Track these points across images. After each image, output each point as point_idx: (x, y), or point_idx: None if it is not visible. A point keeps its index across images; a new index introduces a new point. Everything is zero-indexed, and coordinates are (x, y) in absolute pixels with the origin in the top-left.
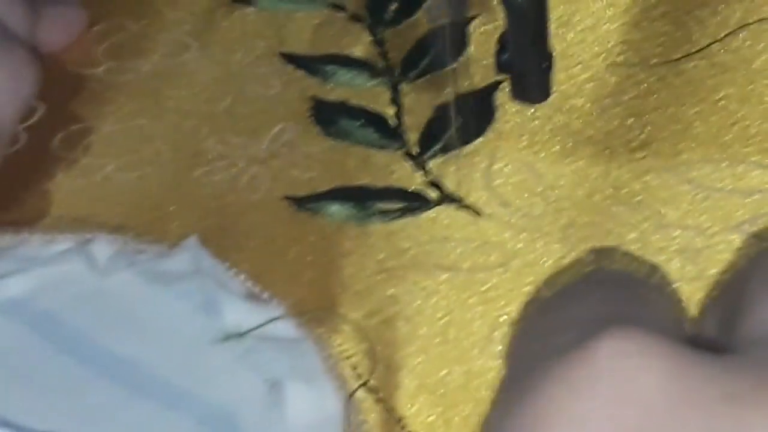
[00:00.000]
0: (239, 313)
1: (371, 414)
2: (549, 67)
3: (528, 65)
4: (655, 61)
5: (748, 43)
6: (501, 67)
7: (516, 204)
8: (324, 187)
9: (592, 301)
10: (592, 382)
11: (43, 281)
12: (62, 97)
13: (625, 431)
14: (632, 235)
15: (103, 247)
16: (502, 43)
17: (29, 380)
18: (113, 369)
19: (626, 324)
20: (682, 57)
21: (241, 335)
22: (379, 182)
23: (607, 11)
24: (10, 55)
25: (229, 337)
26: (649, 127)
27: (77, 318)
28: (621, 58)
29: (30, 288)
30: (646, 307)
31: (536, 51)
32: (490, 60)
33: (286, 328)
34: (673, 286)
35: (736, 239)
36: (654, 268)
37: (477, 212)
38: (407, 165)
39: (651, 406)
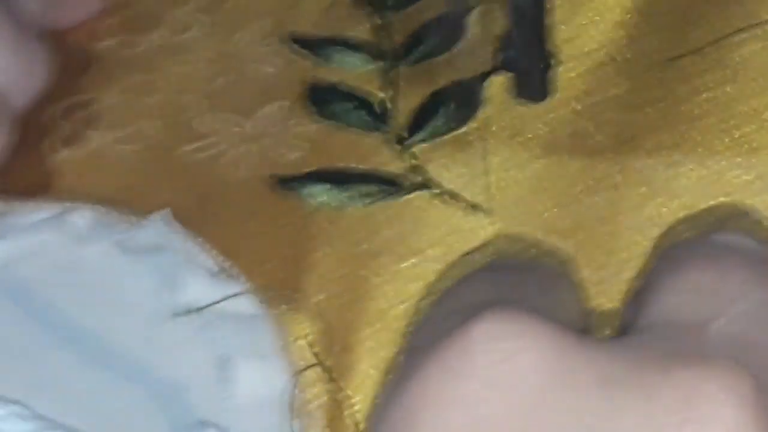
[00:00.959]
0: (202, 289)
1: (322, 394)
2: (550, 66)
3: (529, 64)
4: (653, 58)
5: (748, 44)
6: (502, 65)
7: (493, 192)
8: (308, 168)
9: (485, 286)
10: (469, 364)
11: (22, 249)
12: (67, 69)
13: (499, 412)
14: (606, 228)
15: (82, 217)
16: (503, 42)
17: None
18: (76, 338)
19: (507, 306)
20: (680, 56)
21: (198, 310)
22: (364, 165)
23: (609, 6)
24: (27, 50)
25: (187, 311)
26: (638, 122)
27: (49, 286)
28: (619, 53)
29: (8, 255)
30: (542, 294)
31: (537, 49)
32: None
33: (247, 305)
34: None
35: None
36: (564, 259)
37: (453, 198)
38: (393, 149)
39: (525, 387)
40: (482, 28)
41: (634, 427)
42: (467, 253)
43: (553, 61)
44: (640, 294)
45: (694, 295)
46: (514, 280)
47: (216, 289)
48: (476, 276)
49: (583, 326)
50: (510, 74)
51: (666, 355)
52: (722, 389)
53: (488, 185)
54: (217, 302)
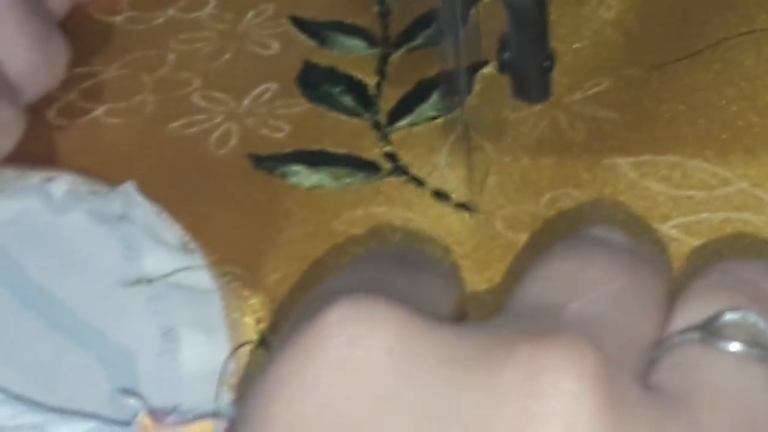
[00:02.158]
0: (159, 261)
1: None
2: (550, 67)
3: (529, 64)
4: (641, 59)
5: (736, 50)
6: (501, 66)
7: (461, 183)
8: (289, 149)
9: (355, 274)
10: (320, 348)
11: (4, 214)
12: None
13: (348, 395)
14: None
15: (61, 186)
16: (503, 43)
17: None
18: (38, 302)
19: (362, 291)
20: (674, 61)
21: (149, 281)
22: (342, 149)
23: (605, 6)
24: (48, 44)
25: (138, 281)
26: (616, 121)
27: (23, 251)
28: (607, 52)
29: None
30: (412, 282)
31: (537, 50)
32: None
33: (202, 279)
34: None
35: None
36: (446, 252)
37: (421, 185)
38: (372, 134)
39: (373, 370)
40: (479, 22)
41: (478, 403)
42: (349, 242)
43: (551, 63)
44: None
45: (556, 280)
46: (385, 269)
47: (173, 262)
48: (350, 264)
49: (459, 315)
50: (508, 75)
51: (515, 334)
52: (564, 362)
53: (457, 174)
54: (169, 274)
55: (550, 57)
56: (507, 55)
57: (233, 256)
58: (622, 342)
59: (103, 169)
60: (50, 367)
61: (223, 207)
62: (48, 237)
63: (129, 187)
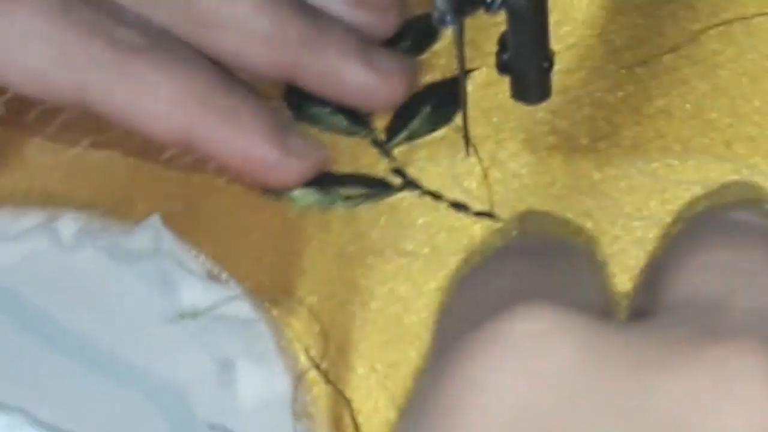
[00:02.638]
0: (196, 293)
1: (321, 396)
2: (549, 67)
3: (528, 65)
4: (623, 55)
5: (718, 39)
6: (501, 67)
7: (476, 192)
8: None
9: (511, 273)
10: (507, 360)
11: (8, 259)
12: None
13: (544, 403)
14: (589, 224)
15: (68, 225)
16: (502, 43)
17: None
18: (71, 345)
19: (540, 299)
20: (656, 56)
21: (195, 315)
22: (346, 168)
23: (576, 6)
24: None
25: (184, 315)
26: (614, 119)
27: (40, 294)
28: (588, 52)
29: None
30: (567, 277)
31: (536, 51)
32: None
33: (242, 309)
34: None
35: None
36: (580, 230)
37: (438, 198)
38: (373, 152)
39: (564, 380)
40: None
41: (670, 407)
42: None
43: (550, 63)
44: (655, 274)
45: (714, 272)
46: (538, 264)
47: (209, 293)
48: (500, 260)
49: (606, 304)
50: (508, 76)
51: (695, 334)
52: (754, 367)
53: (471, 185)
54: (215, 306)
55: (549, 58)
56: (506, 55)
57: (262, 284)
58: None
59: (107, 204)
60: (98, 411)
61: (238, 236)
62: (64, 278)
63: (155, 221)
